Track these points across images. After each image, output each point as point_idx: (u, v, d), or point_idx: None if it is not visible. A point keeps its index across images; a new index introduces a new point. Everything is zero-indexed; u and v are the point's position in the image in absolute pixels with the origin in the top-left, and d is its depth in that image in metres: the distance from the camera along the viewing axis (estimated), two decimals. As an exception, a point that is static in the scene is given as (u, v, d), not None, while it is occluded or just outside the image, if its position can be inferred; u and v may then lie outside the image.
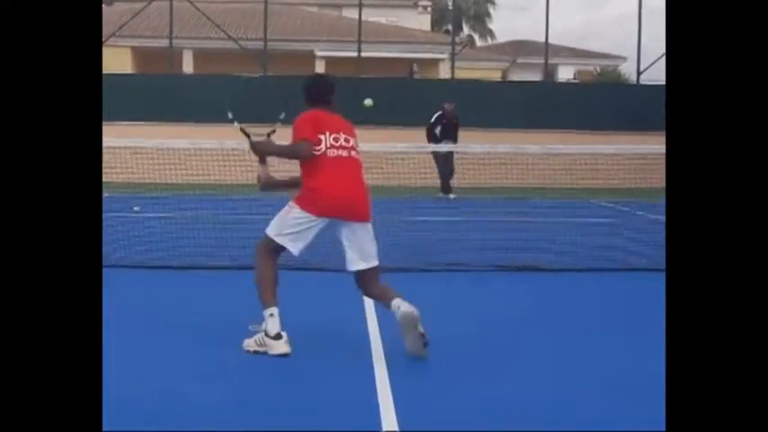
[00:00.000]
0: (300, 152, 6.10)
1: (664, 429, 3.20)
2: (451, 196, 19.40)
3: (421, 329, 5.80)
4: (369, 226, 6.18)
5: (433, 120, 19.68)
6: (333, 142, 6.13)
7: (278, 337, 5.86)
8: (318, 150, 6.09)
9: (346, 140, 6.23)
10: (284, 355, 5.81)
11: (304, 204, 6.05)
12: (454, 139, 19.40)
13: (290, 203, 6.12)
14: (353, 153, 6.25)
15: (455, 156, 18.92)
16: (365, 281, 6.17)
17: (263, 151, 6.45)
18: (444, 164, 19.46)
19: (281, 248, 6.14)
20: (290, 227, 6.04)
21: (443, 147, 17.80)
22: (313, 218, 6.01)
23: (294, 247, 6.09)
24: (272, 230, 6.13)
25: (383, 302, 6.12)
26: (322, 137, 6.12)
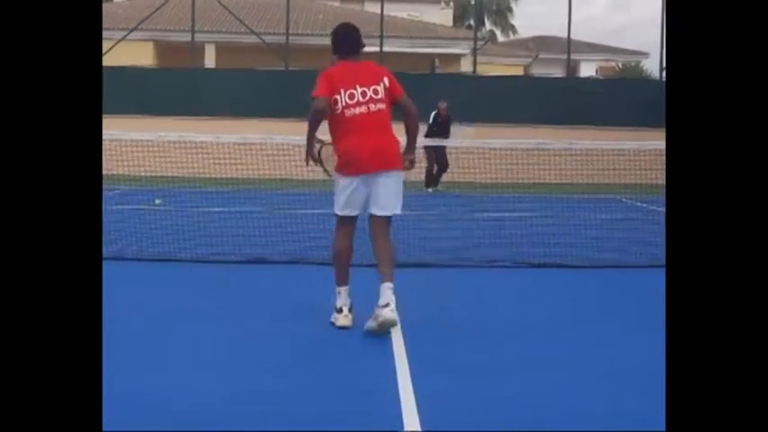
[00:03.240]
0: (315, 111, 6.23)
1: (664, 429, 3.18)
2: (430, 190, 19.72)
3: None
4: (394, 175, 6.34)
5: (431, 121, 19.93)
6: (348, 100, 6.24)
7: (339, 311, 6.28)
8: (335, 111, 6.25)
9: (363, 94, 6.27)
10: (343, 328, 6.21)
11: (340, 169, 6.32)
12: (446, 135, 19.87)
13: (334, 174, 6.40)
14: (373, 106, 6.27)
15: (448, 149, 19.45)
16: (372, 227, 6.45)
17: (309, 146, 6.46)
18: (434, 159, 19.97)
19: (346, 219, 6.40)
20: (340, 194, 6.34)
21: (437, 141, 18.07)
22: (350, 179, 6.26)
23: (346, 210, 6.36)
24: (334, 206, 6.41)
25: (376, 263, 6.38)
26: (338, 96, 6.25)
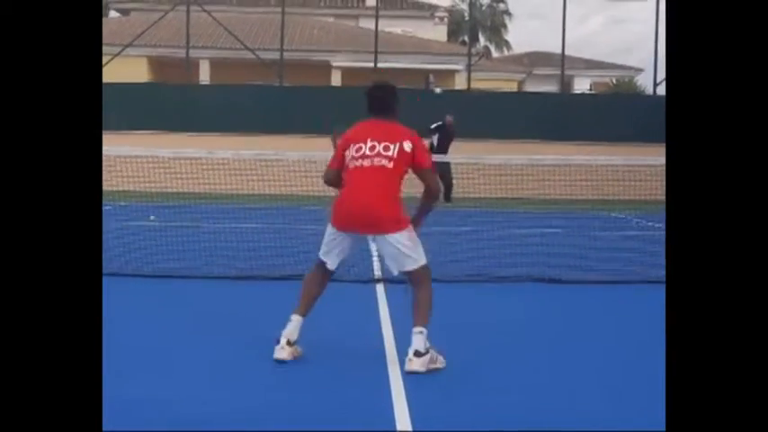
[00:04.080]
0: (324, 181, 6.23)
1: (664, 429, 3.20)
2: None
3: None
4: (394, 237, 5.85)
5: (433, 127, 19.82)
6: (354, 153, 5.93)
7: (277, 341, 5.85)
8: (346, 166, 5.98)
9: (371, 148, 5.90)
10: (278, 361, 5.77)
11: (331, 217, 6.02)
12: (445, 151, 19.52)
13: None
14: (377, 160, 5.88)
15: (453, 165, 19.07)
16: (409, 280, 6.05)
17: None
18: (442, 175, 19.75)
19: (322, 264, 6.09)
20: (325, 241, 6.04)
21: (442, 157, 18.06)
22: (335, 231, 5.97)
23: (328, 259, 6.03)
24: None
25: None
26: (346, 152, 6.00)
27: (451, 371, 5.73)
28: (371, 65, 24.88)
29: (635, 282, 9.54)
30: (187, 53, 25.19)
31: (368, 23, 31.18)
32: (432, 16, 41.02)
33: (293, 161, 11.87)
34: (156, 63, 31.27)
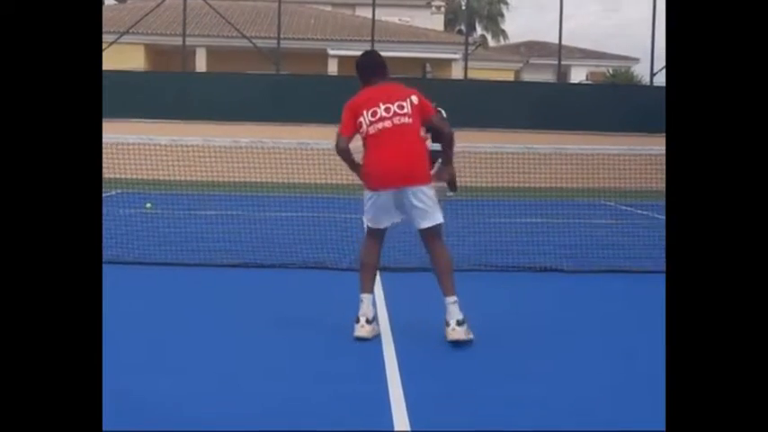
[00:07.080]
0: (337, 151, 6.29)
1: (664, 429, 3.20)
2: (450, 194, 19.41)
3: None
4: (422, 189, 6.19)
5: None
6: (371, 118, 6.21)
7: (356, 320, 6.12)
8: (362, 133, 6.25)
9: (387, 110, 6.20)
10: (359, 339, 6.05)
11: (364, 183, 6.33)
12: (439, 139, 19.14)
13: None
14: (397, 120, 6.19)
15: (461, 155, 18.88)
16: (422, 240, 6.41)
17: (356, 172, 6.46)
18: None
19: (373, 230, 6.39)
20: (366, 208, 6.32)
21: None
22: (371, 193, 6.26)
23: (376, 224, 6.34)
24: (364, 216, 6.40)
25: (435, 275, 6.39)
26: (361, 119, 6.23)
27: (450, 364, 5.74)
28: (368, 53, 24.79)
29: (632, 271, 9.56)
30: (183, 41, 25.10)
31: (365, 12, 31.06)
32: (429, 5, 40.91)
33: (290, 149, 11.87)
34: (152, 51, 31.19)
